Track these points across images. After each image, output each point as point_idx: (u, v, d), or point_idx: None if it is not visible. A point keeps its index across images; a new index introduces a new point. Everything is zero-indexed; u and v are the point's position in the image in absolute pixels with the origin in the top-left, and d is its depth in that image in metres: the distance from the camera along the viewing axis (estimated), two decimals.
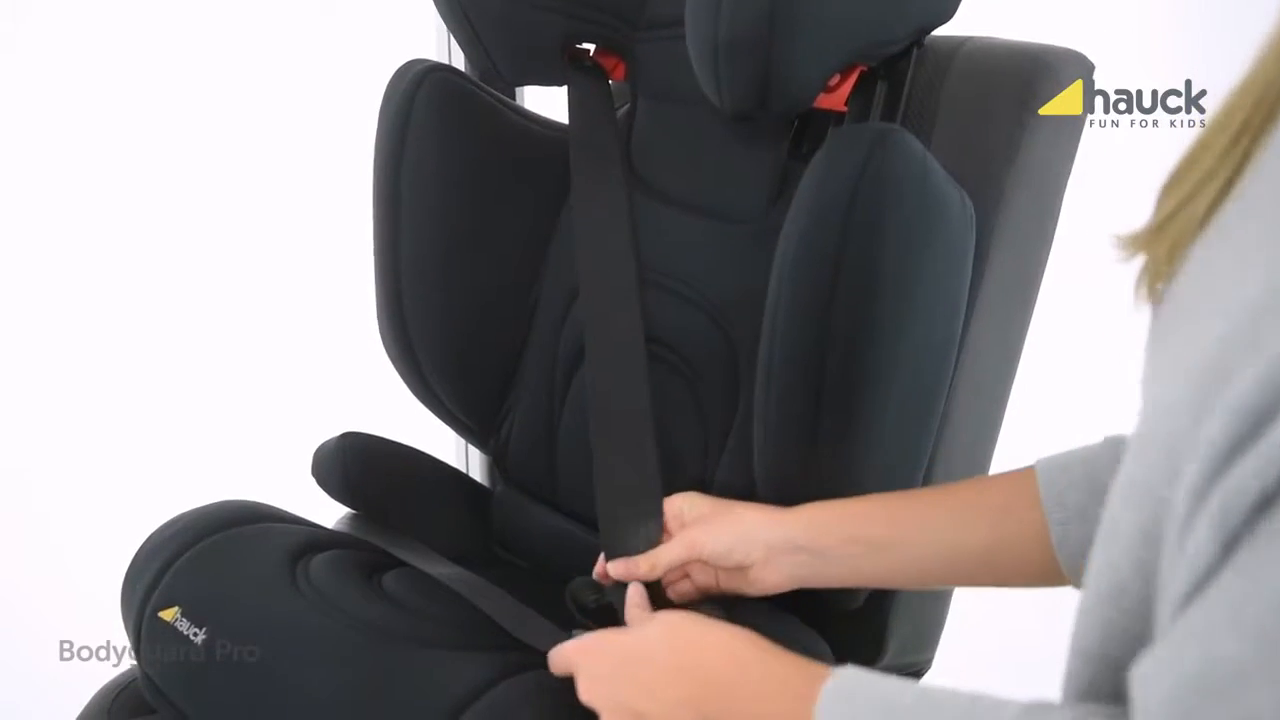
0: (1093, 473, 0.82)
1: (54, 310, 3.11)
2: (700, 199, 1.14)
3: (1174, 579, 0.52)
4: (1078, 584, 0.80)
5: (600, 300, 1.14)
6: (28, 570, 2.30)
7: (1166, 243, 0.62)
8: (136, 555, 1.12)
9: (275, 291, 3.21)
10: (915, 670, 1.19)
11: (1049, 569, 0.84)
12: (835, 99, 1.06)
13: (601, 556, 1.02)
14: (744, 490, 1.09)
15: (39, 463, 2.78)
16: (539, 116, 1.27)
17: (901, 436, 0.99)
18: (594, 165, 1.19)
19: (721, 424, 1.13)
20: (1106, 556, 0.58)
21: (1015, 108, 1.01)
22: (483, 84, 1.23)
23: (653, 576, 0.97)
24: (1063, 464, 0.84)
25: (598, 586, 1.01)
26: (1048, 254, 1.10)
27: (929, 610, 1.16)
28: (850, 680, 0.70)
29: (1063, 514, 0.82)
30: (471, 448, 1.63)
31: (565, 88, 1.23)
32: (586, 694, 0.84)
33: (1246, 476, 0.48)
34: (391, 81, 1.21)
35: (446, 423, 1.32)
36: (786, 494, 1.01)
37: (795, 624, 1.05)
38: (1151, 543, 0.54)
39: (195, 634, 1.03)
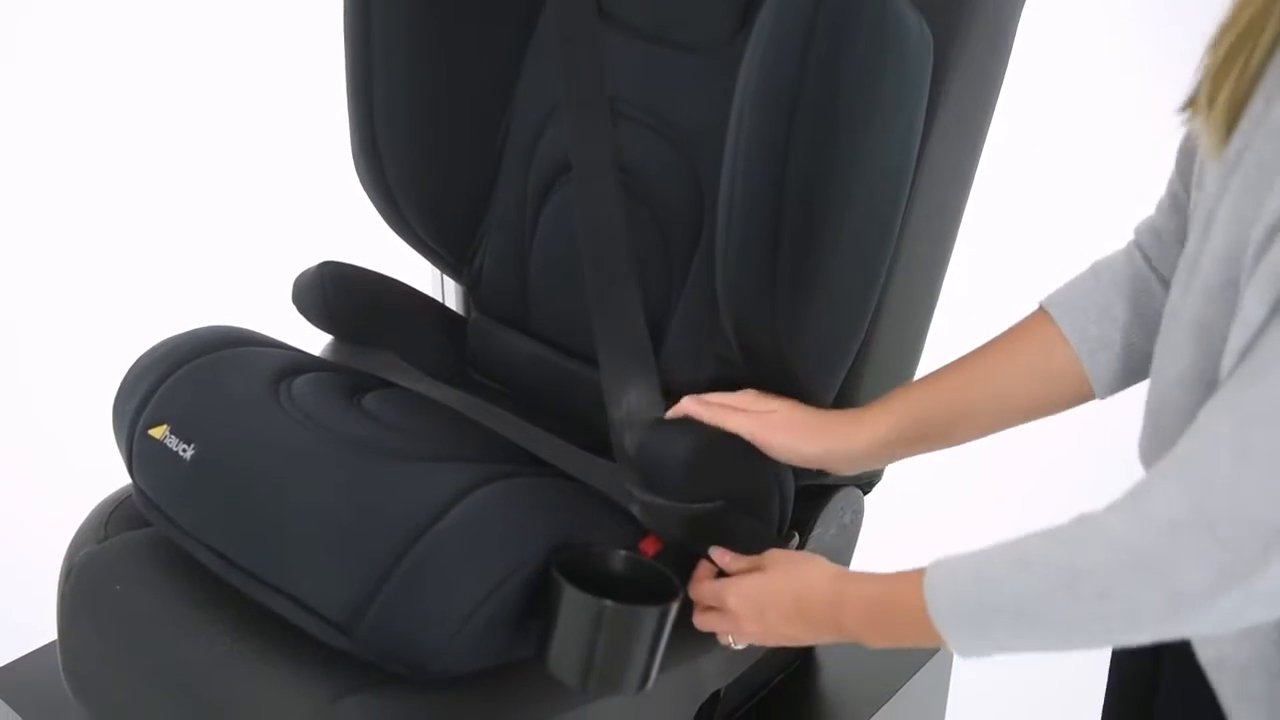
0: (1103, 304, 0.93)
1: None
2: (665, 30, 1.16)
3: (1232, 338, 0.66)
4: (1104, 396, 0.94)
5: (582, 127, 1.16)
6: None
7: (1224, 108, 0.70)
8: (125, 377, 1.16)
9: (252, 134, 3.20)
10: (866, 482, 1.26)
11: (1082, 395, 0.95)
12: None
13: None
14: (705, 319, 1.14)
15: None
16: None
17: (858, 261, 1.03)
18: None
19: (685, 253, 1.16)
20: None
21: None
22: None
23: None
24: (1076, 304, 0.94)
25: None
26: (1001, 82, 1.12)
27: None
28: (942, 561, 0.81)
29: (1089, 346, 0.93)
30: (446, 283, 1.67)
31: None
32: (735, 627, 0.98)
33: None
34: None
35: (422, 253, 1.36)
36: (747, 320, 1.05)
37: None
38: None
39: (184, 450, 1.07)
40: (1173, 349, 0.77)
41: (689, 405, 1.05)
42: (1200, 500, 0.65)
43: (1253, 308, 0.66)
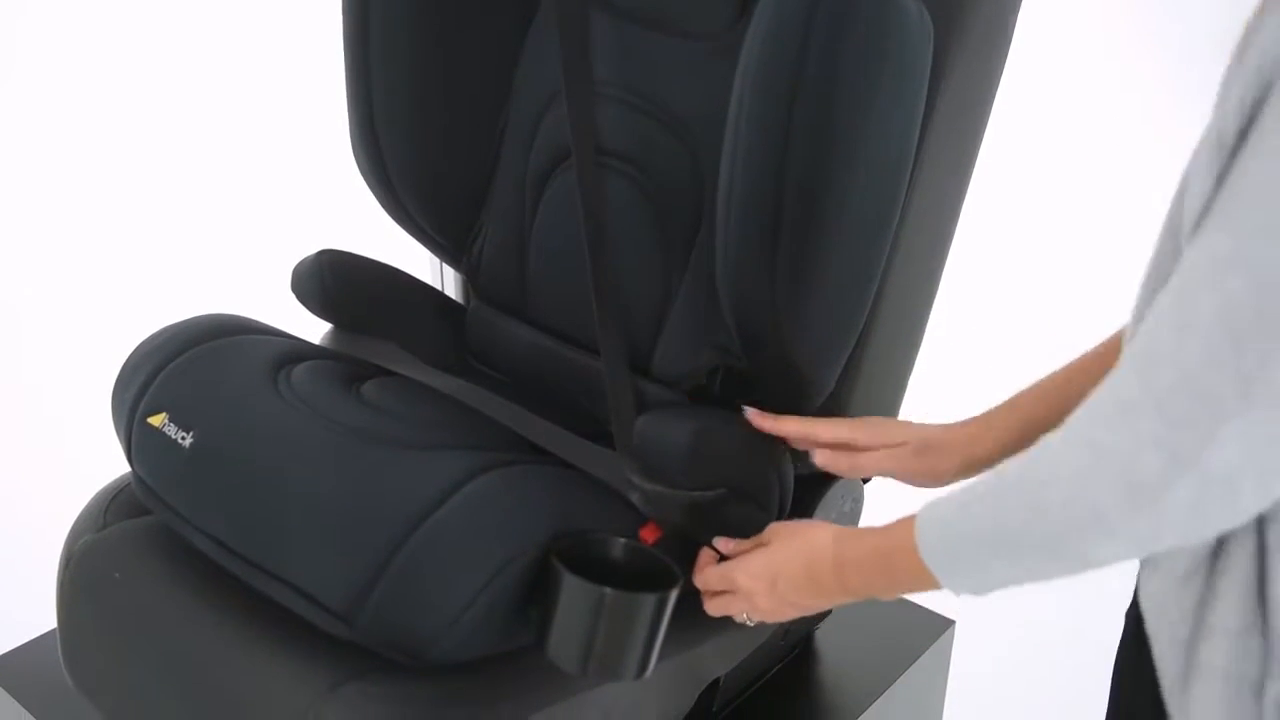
0: None
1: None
2: (666, 17, 1.15)
3: (1185, 219, 0.67)
4: None
5: (580, 114, 1.16)
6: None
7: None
8: (124, 365, 1.16)
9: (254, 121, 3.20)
10: None
11: None
12: None
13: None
14: (704, 307, 1.13)
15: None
16: None
17: (858, 248, 1.03)
18: None
19: (685, 241, 1.16)
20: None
21: None
22: None
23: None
24: None
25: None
26: (1001, 72, 1.12)
27: (883, 408, 1.22)
28: (931, 502, 0.81)
29: None
30: (446, 272, 1.67)
31: None
32: (749, 605, 0.98)
33: (1232, 104, 0.63)
34: None
35: (421, 241, 1.36)
36: (746, 307, 1.05)
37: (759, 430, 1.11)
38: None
39: (183, 437, 1.07)
40: (1152, 262, 0.76)
41: (820, 458, 1.06)
42: (1146, 378, 0.65)
43: (1200, 180, 0.65)
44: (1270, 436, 0.63)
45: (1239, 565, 0.72)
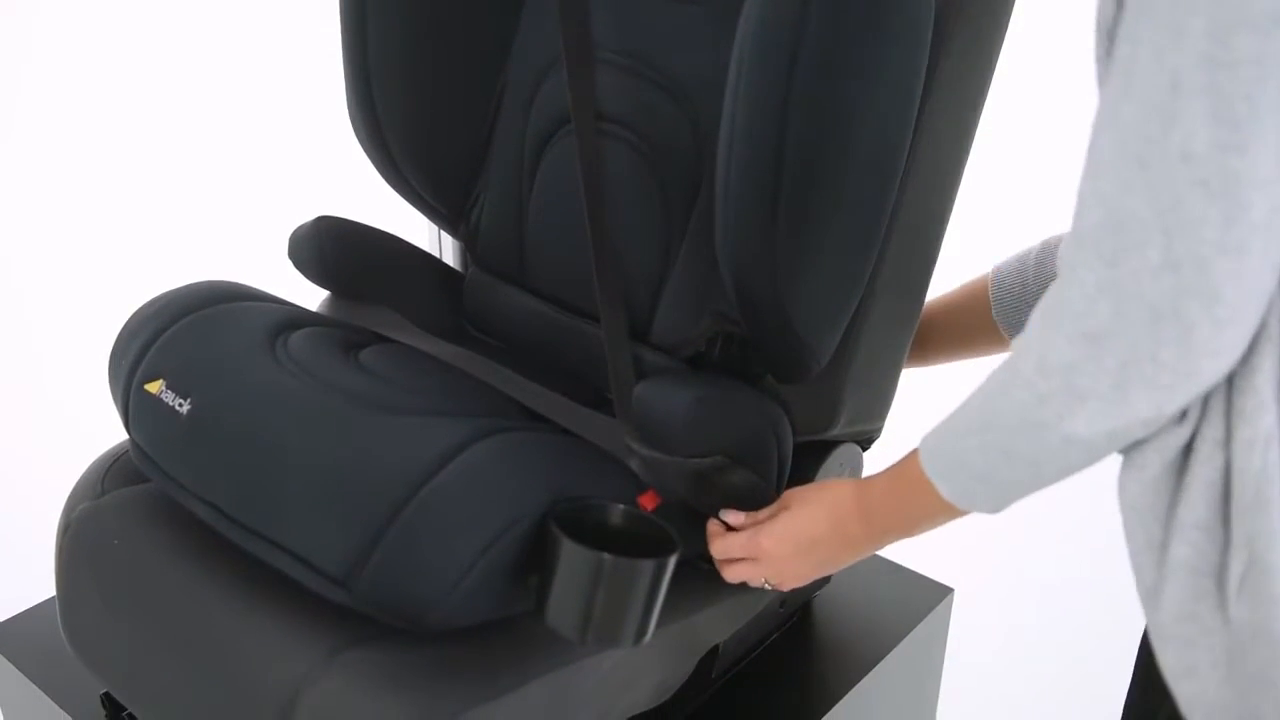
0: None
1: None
2: None
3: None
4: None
5: (579, 80, 1.15)
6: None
7: None
8: (121, 332, 1.15)
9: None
10: (865, 438, 1.26)
11: None
12: None
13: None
14: (703, 273, 1.13)
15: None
16: None
17: (858, 213, 1.02)
18: None
19: (684, 206, 1.15)
20: None
21: None
22: None
23: None
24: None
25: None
26: (1003, 40, 1.11)
27: (879, 384, 1.21)
28: (929, 433, 0.85)
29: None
30: (444, 239, 1.66)
31: None
32: (772, 570, 1.01)
33: None
34: None
35: (418, 208, 1.35)
36: (746, 272, 1.04)
37: (759, 396, 1.11)
38: None
39: (180, 404, 1.07)
40: None
41: None
42: (1078, 228, 0.68)
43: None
44: (1198, 259, 0.64)
45: (1206, 458, 0.73)
